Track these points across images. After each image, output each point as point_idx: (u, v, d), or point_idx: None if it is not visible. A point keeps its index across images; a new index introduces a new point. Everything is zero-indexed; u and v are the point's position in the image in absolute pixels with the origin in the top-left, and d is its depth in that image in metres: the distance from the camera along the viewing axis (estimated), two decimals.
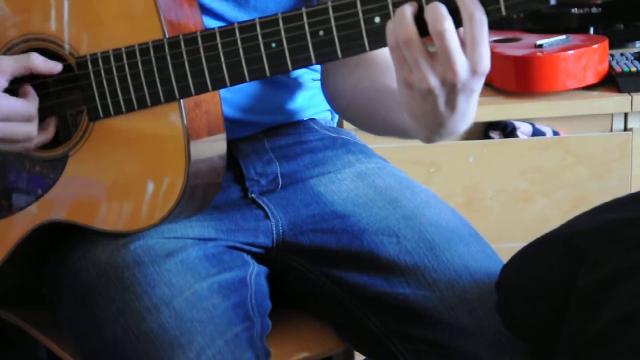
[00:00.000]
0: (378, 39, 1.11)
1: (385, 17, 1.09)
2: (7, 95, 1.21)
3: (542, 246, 1.17)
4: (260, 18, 1.15)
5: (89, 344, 1.24)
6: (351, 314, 1.31)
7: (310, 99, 1.46)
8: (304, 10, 1.13)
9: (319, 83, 1.46)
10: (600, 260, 1.07)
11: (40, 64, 1.22)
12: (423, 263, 1.28)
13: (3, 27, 1.26)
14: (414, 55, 1.04)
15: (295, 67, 1.15)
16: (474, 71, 1.04)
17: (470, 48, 1.03)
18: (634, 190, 2.07)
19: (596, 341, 1.02)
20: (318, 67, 1.47)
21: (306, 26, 1.13)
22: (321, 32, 1.13)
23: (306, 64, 1.15)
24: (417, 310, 1.26)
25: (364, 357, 1.64)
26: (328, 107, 1.49)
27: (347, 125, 1.92)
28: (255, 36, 1.15)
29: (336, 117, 1.54)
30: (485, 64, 1.03)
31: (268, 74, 1.16)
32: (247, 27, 1.16)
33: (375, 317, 1.29)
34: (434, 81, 1.05)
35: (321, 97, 1.47)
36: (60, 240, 1.32)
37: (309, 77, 1.45)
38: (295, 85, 1.43)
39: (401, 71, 1.07)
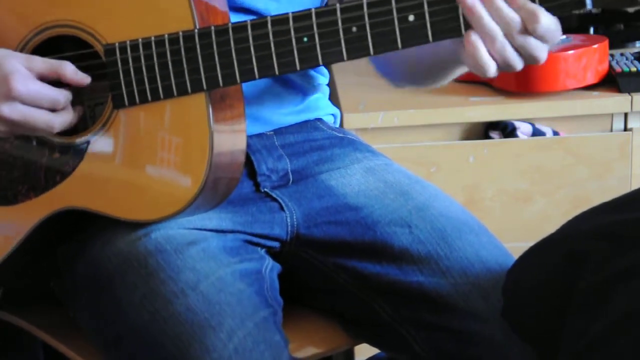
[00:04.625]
0: (411, 37, 1.14)
1: (420, 16, 1.13)
2: (36, 80, 1.23)
3: (543, 250, 1.19)
4: (293, 12, 1.17)
5: (112, 330, 1.25)
6: (364, 304, 1.35)
7: (316, 101, 1.50)
8: (338, 6, 1.15)
9: (325, 86, 1.51)
10: (601, 261, 1.08)
11: (70, 73, 1.25)
12: (436, 251, 1.32)
13: (34, 12, 1.28)
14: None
15: (326, 63, 1.18)
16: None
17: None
18: None
19: (597, 342, 1.04)
20: (326, 70, 1.53)
21: (339, 22, 1.15)
22: (354, 29, 1.15)
23: (337, 59, 1.17)
24: (431, 297, 1.30)
25: (365, 358, 1.70)
26: (332, 110, 1.54)
27: (348, 126, 1.98)
28: (288, 30, 1.17)
29: (339, 119, 1.58)
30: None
31: (298, 68, 1.18)
32: (279, 21, 1.18)
33: (388, 306, 1.34)
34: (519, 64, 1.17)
35: (326, 100, 1.53)
36: (75, 232, 1.34)
37: (318, 80, 1.50)
38: (305, 87, 1.47)
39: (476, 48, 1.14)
